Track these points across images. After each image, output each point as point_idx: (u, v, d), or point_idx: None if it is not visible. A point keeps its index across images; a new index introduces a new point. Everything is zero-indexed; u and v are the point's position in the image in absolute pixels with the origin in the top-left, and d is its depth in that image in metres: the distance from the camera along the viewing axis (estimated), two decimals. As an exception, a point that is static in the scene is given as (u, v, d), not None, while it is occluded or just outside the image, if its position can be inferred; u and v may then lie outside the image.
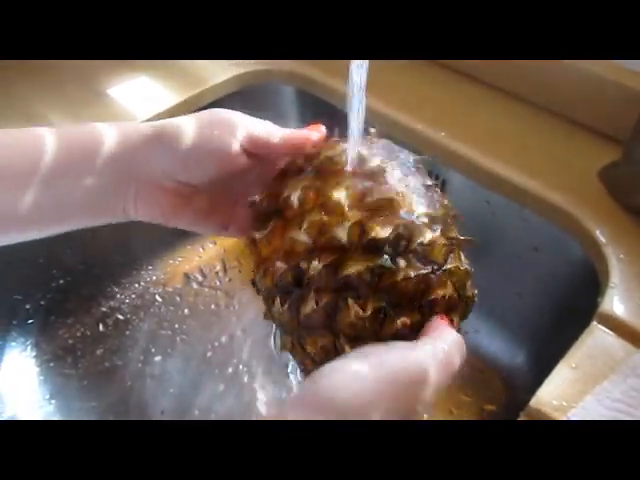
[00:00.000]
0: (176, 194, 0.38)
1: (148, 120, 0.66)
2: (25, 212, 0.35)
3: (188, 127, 0.37)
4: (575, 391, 0.39)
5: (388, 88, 0.66)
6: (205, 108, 0.70)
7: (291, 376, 0.67)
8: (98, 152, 0.36)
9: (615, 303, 0.45)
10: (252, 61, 0.73)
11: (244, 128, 0.38)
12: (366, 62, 0.35)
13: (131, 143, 0.37)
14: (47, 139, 0.36)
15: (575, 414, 0.37)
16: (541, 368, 0.53)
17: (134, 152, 0.37)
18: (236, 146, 0.37)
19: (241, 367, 0.68)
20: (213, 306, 0.74)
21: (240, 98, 0.73)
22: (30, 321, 0.69)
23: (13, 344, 0.68)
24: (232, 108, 0.73)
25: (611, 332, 0.43)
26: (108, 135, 0.37)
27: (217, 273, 0.78)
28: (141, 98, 0.69)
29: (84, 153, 0.36)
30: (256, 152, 0.38)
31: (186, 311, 0.74)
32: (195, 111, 0.69)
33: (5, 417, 0.64)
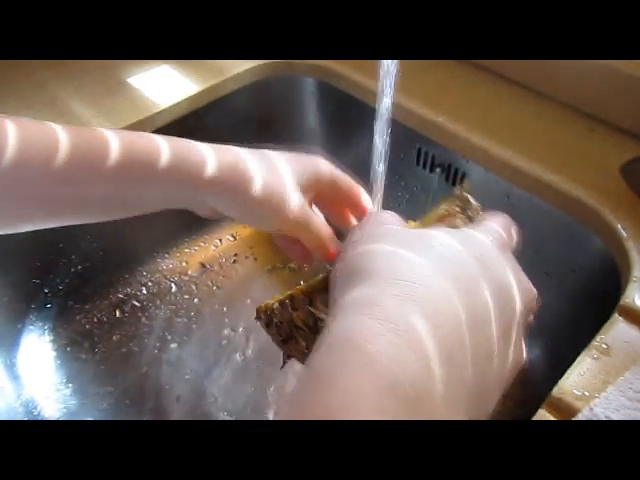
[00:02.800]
0: None
1: (168, 109, 0.66)
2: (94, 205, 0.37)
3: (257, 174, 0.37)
4: (597, 381, 0.39)
5: (409, 81, 0.66)
6: (226, 97, 0.71)
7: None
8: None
9: (637, 297, 0.45)
10: (273, 52, 0.73)
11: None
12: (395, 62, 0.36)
13: (197, 180, 0.36)
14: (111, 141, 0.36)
15: (598, 404, 0.37)
16: (557, 364, 0.53)
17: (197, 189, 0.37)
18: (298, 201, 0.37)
19: (256, 355, 0.68)
20: (228, 295, 0.75)
21: (261, 88, 0.74)
22: (48, 305, 0.70)
23: (31, 328, 0.69)
24: (252, 98, 0.74)
25: (633, 325, 0.43)
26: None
27: (233, 262, 0.78)
28: (162, 87, 0.69)
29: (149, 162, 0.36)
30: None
31: (202, 299, 0.74)
32: (215, 101, 0.70)
33: (22, 400, 0.65)
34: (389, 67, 0.38)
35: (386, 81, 0.38)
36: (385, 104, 0.40)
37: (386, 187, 0.44)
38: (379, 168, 0.41)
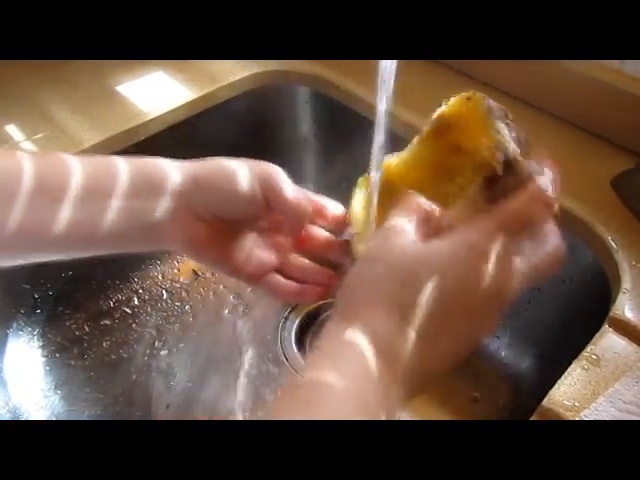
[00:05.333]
0: (208, 226, 0.40)
1: (160, 117, 0.66)
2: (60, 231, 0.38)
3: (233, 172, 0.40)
4: (587, 392, 0.39)
5: (403, 91, 0.67)
6: (220, 106, 0.71)
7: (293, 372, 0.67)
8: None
9: (627, 308, 0.46)
10: (268, 60, 0.73)
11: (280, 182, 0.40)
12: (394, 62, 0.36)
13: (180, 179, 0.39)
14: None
15: (588, 415, 0.37)
16: (548, 374, 0.53)
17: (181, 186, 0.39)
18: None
19: (246, 364, 0.68)
20: (220, 303, 0.75)
21: (254, 97, 0.74)
22: (38, 311, 0.69)
23: (20, 333, 0.68)
24: (246, 107, 0.74)
25: (623, 336, 0.44)
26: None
27: (226, 270, 0.78)
28: (154, 94, 0.69)
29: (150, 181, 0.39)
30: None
31: (193, 307, 0.74)
32: (209, 109, 0.70)
33: (10, 406, 0.64)
34: (388, 70, 0.38)
35: (383, 87, 0.38)
36: (382, 112, 0.40)
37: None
38: (375, 176, 0.41)
